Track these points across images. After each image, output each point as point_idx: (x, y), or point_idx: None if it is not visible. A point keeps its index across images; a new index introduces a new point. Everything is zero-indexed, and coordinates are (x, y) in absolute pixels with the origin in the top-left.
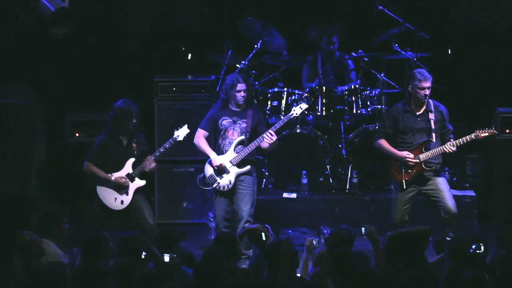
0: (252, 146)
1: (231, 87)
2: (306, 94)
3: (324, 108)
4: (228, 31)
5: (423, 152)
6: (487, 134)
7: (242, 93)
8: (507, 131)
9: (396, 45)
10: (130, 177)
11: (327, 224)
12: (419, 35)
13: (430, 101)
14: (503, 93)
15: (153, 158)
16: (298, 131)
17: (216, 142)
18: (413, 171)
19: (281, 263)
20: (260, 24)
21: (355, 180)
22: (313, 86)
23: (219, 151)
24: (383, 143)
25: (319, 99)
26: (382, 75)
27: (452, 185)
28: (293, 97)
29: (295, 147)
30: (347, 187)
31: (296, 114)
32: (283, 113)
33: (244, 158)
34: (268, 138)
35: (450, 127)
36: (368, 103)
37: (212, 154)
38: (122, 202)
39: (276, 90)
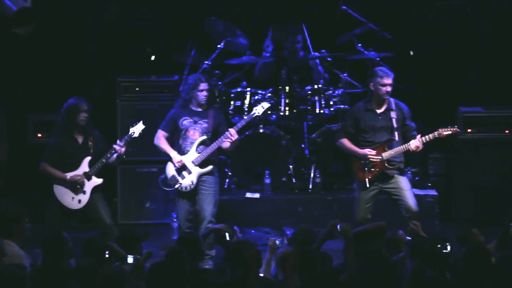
0: (214, 145)
1: (193, 87)
2: (269, 94)
3: (287, 108)
4: (192, 31)
5: (385, 151)
6: (450, 132)
7: (205, 93)
8: (469, 130)
9: (359, 45)
10: (87, 176)
11: (289, 224)
12: (382, 35)
13: (391, 99)
14: (465, 93)
15: (123, 142)
16: (261, 131)
17: (177, 142)
18: (376, 169)
19: (249, 265)
20: (223, 24)
21: (318, 180)
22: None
23: (180, 152)
24: (345, 142)
25: (282, 99)
26: (345, 75)
27: (414, 185)
28: (256, 97)
29: (258, 147)
30: (310, 187)
31: (258, 113)
32: (246, 113)
33: (206, 158)
34: (229, 137)
35: (412, 124)
36: (331, 103)
37: (172, 153)
38: (79, 201)
39: (239, 90)
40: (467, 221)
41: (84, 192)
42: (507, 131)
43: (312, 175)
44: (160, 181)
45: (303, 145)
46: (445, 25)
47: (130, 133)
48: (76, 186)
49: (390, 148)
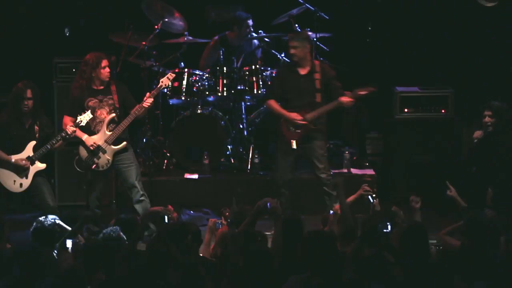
0: (126, 122)
1: (96, 65)
2: (207, 75)
3: (225, 89)
4: (129, 11)
5: (309, 113)
6: (366, 92)
7: (107, 69)
8: (406, 110)
9: (296, 25)
10: (31, 160)
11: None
12: (318, 16)
13: (316, 62)
14: (401, 72)
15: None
16: (199, 111)
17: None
18: (302, 131)
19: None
20: (160, 5)
21: (256, 160)
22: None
23: (90, 132)
24: (273, 103)
25: (220, 80)
26: (283, 55)
27: (353, 164)
28: (194, 78)
29: (196, 127)
30: (249, 168)
31: (165, 84)
32: (184, 93)
33: (118, 135)
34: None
35: (338, 84)
36: (269, 83)
37: (84, 136)
38: (21, 185)
39: (177, 71)
40: (403, 200)
41: (26, 176)
42: (443, 111)
43: (250, 155)
44: (75, 163)
45: (241, 126)
46: (381, 5)
47: (77, 121)
48: (19, 170)
49: (313, 109)
